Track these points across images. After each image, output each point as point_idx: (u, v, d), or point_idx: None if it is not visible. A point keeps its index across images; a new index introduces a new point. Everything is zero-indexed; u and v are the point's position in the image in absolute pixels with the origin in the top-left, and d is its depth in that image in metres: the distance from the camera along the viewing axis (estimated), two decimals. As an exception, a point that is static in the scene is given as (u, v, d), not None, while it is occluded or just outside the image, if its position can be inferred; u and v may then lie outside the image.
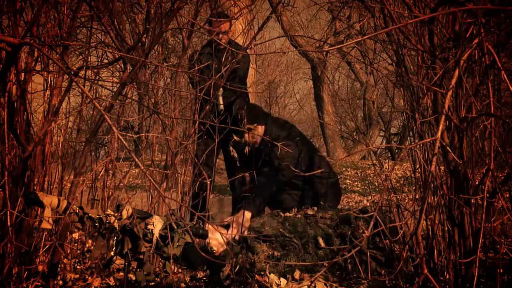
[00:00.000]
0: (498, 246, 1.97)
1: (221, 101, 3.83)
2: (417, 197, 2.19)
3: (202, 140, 2.94)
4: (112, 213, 2.00)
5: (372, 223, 1.45)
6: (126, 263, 1.97)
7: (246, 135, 3.33)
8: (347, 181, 7.85)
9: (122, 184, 3.16)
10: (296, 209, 2.87)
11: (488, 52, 1.69)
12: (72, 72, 2.25)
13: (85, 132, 3.16)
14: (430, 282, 1.46)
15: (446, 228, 2.05)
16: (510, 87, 1.50)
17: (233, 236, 2.61)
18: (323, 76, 11.50)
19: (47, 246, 2.35)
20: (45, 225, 1.86)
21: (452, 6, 1.78)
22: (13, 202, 1.98)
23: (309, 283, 2.30)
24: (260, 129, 3.34)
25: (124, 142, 1.49)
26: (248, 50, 3.20)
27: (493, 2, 1.69)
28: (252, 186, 3.09)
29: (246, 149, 3.11)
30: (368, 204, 5.27)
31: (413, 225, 2.20)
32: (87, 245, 2.95)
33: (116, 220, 1.95)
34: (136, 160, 1.49)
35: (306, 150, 3.33)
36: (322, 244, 2.57)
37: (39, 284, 2.14)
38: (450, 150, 1.85)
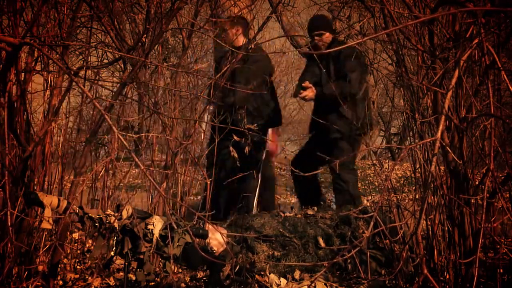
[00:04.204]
0: (498, 246, 1.97)
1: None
2: (417, 197, 2.19)
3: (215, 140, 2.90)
4: (112, 213, 2.00)
5: (372, 223, 1.45)
6: (126, 263, 1.97)
7: (317, 38, 3.76)
8: (347, 181, 7.82)
9: (122, 184, 3.16)
10: (296, 209, 2.87)
11: (488, 52, 1.69)
12: (72, 72, 2.25)
13: (85, 132, 3.16)
14: (430, 282, 1.46)
15: (446, 228, 2.04)
16: (510, 87, 1.50)
17: None
18: (323, 76, 11.46)
19: (47, 246, 2.35)
20: (45, 225, 1.86)
21: (452, 7, 1.78)
22: (13, 202, 1.98)
23: (309, 283, 2.30)
24: (328, 36, 3.79)
25: (124, 142, 1.49)
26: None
27: (493, 2, 1.69)
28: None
29: (246, 149, 3.10)
30: (368, 204, 5.26)
31: (413, 225, 2.20)
32: (87, 245, 2.95)
33: (116, 220, 1.95)
34: (136, 160, 1.49)
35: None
36: (322, 244, 2.57)
37: (39, 284, 2.14)
38: (450, 150, 1.85)
